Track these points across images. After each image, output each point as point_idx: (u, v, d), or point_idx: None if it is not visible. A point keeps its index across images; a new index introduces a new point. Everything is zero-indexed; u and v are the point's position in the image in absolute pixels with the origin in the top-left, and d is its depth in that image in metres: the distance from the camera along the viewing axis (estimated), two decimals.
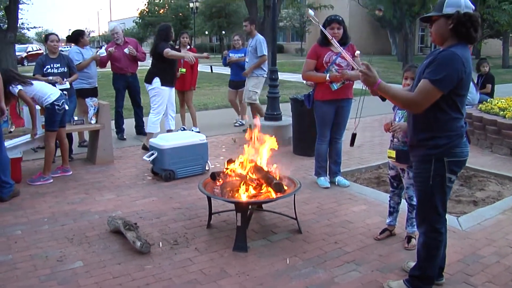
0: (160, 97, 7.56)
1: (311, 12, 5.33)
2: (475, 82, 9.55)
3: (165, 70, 7.55)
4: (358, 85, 4.01)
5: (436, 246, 3.23)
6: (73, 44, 8.06)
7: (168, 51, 7.36)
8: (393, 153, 4.02)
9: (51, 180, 6.08)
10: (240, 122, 10.02)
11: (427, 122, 3.04)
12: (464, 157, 3.10)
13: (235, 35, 10.04)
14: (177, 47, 8.56)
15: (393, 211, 4.35)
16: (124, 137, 8.69)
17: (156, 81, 7.51)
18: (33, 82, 5.96)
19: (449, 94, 2.92)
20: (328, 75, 5.48)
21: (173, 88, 7.90)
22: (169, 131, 7.87)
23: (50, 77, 6.76)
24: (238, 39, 9.76)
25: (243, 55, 9.31)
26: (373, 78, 3.03)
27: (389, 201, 4.39)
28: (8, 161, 5.50)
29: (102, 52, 8.24)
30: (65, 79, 6.92)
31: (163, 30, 7.65)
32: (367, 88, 3.14)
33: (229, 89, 9.95)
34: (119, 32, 8.53)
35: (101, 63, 8.33)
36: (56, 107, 5.97)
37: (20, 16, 18.79)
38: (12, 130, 6.32)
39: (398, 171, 4.17)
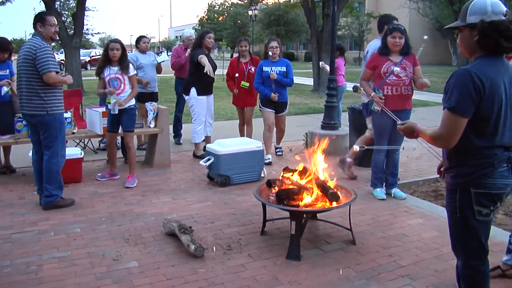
0: (198, 107, 7.49)
1: (356, 146, 5.17)
2: None
3: (200, 79, 7.35)
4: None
5: (474, 284, 2.86)
6: (134, 49, 8.29)
7: (201, 57, 7.15)
8: None
9: (118, 176, 6.37)
10: (279, 149, 8.14)
11: (450, 150, 2.73)
12: (499, 190, 2.65)
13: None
14: (236, 55, 8.50)
15: None
16: (181, 142, 8.83)
17: (193, 91, 7.43)
18: None
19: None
20: (373, 94, 5.47)
21: (211, 95, 7.70)
22: (206, 137, 7.77)
23: None
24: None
25: (284, 68, 7.34)
26: (410, 127, 2.92)
27: (510, 236, 3.76)
28: (55, 170, 5.21)
29: (162, 58, 8.39)
30: None
31: (197, 37, 7.65)
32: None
33: (267, 110, 7.48)
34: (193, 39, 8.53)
35: (173, 66, 8.50)
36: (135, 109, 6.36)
37: (85, 22, 19.59)
38: (75, 131, 6.55)
39: None
